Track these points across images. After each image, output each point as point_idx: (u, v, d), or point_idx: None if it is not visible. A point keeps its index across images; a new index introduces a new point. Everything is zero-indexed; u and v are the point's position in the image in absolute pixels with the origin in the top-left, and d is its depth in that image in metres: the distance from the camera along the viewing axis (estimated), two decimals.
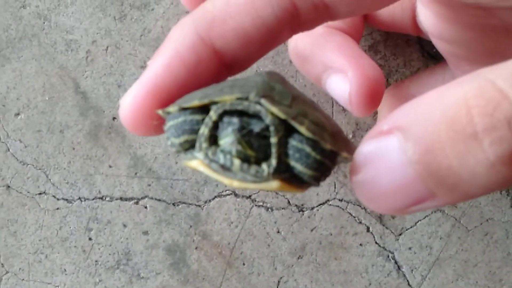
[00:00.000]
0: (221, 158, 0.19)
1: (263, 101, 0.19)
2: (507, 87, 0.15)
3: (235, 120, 0.19)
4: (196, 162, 0.20)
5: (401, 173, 0.16)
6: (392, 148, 0.16)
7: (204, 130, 0.19)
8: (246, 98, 0.19)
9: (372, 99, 0.25)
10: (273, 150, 0.19)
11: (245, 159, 0.19)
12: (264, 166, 0.19)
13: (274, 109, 0.19)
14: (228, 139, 0.19)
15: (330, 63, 0.26)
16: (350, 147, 0.20)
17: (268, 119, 0.19)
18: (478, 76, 0.15)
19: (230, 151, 0.19)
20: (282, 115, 0.19)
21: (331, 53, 0.26)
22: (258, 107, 0.19)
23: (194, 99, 0.20)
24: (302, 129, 0.19)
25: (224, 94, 0.19)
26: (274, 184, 0.19)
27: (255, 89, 0.19)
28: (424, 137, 0.15)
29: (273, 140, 0.19)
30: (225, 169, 0.19)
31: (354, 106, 0.25)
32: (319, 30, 0.27)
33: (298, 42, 0.27)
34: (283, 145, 0.19)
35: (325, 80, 0.26)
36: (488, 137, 0.15)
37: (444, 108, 0.15)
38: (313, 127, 0.19)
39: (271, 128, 0.19)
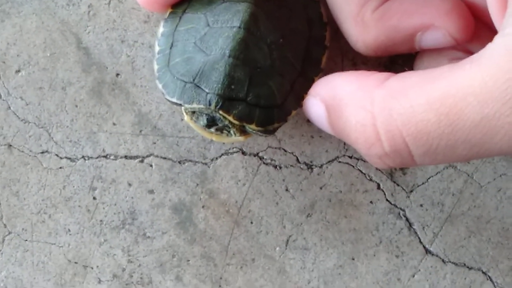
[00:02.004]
0: (201, 123, 0.27)
1: (220, 112, 0.26)
2: (382, 131, 0.23)
3: (204, 117, 0.27)
4: (187, 117, 0.28)
5: (324, 125, 0.26)
6: (321, 109, 0.26)
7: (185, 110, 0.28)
8: (209, 103, 0.26)
9: (466, 22, 0.26)
10: (234, 132, 0.28)
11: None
12: (232, 132, 0.28)
13: (229, 118, 0.27)
14: (201, 123, 0.27)
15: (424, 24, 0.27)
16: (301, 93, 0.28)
17: (226, 122, 0.27)
18: (366, 112, 0.23)
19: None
20: (235, 122, 0.27)
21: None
22: (218, 115, 0.27)
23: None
24: (251, 127, 0.27)
25: (194, 101, 0.27)
26: (241, 138, 0.28)
27: (216, 97, 0.26)
28: (336, 121, 0.25)
29: (232, 130, 0.28)
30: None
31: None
32: None
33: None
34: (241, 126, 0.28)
35: (420, 39, 0.27)
36: (367, 157, 0.25)
37: (346, 117, 0.24)
38: (261, 119, 0.27)
39: (229, 125, 0.27)
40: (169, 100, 0.28)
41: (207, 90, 0.26)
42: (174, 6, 0.29)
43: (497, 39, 0.22)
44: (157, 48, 0.29)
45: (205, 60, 0.27)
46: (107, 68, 0.31)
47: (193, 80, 0.27)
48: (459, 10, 0.26)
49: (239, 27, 0.27)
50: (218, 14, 0.28)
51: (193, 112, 0.28)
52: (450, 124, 0.21)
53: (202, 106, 0.26)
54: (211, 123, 0.27)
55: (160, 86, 0.28)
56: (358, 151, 0.25)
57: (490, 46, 0.22)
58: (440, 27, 0.26)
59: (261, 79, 0.27)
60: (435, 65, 0.28)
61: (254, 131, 0.28)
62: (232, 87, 0.26)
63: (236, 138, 0.28)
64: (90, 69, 0.31)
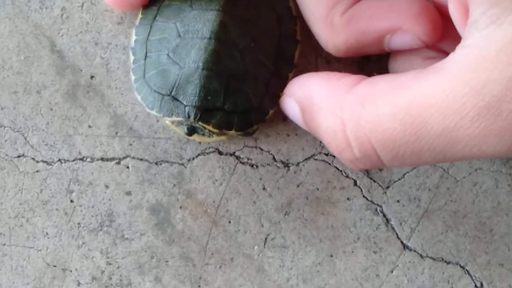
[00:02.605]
0: (182, 132, 0.29)
1: (200, 123, 0.28)
2: (352, 137, 0.23)
3: (184, 126, 0.28)
4: (168, 122, 0.29)
5: (300, 123, 0.27)
6: (295, 109, 0.27)
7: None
8: (188, 115, 0.27)
9: (435, 25, 0.26)
10: (215, 135, 0.29)
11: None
12: (213, 135, 0.29)
13: (208, 127, 0.28)
14: (182, 131, 0.29)
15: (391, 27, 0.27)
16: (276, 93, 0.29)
17: (206, 131, 0.28)
18: (336, 117, 0.24)
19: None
20: (214, 131, 0.28)
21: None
22: (197, 125, 0.28)
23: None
24: (230, 133, 0.28)
25: (173, 114, 0.28)
26: (223, 137, 0.30)
27: (194, 110, 0.27)
28: (310, 122, 0.26)
29: (213, 136, 0.29)
30: None
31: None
32: None
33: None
34: None
35: (388, 41, 0.27)
36: (340, 160, 0.25)
37: (319, 120, 0.25)
38: (240, 124, 0.28)
39: (209, 132, 0.29)
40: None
41: (184, 103, 0.27)
42: (144, 12, 0.29)
43: (458, 50, 0.22)
44: (131, 57, 0.29)
45: (179, 73, 0.27)
46: (81, 70, 0.31)
47: (170, 92, 0.28)
48: (427, 13, 0.26)
49: (210, 38, 0.27)
50: (188, 24, 0.28)
51: (172, 121, 0.29)
52: (414, 133, 0.22)
53: (181, 118, 0.27)
54: (192, 131, 0.28)
55: (139, 98, 0.29)
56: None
57: (452, 57, 0.22)
58: (408, 30, 0.26)
59: (236, 86, 0.28)
60: (408, 64, 0.28)
61: (234, 135, 0.29)
62: (209, 97, 0.27)
63: (219, 138, 0.29)
64: (64, 72, 0.31)
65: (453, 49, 0.28)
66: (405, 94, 0.22)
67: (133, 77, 0.29)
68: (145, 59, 0.29)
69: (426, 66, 0.27)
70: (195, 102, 0.27)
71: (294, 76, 0.29)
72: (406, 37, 0.26)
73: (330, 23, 0.27)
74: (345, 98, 0.24)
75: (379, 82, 0.24)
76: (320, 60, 0.31)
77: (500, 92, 0.20)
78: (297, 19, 0.29)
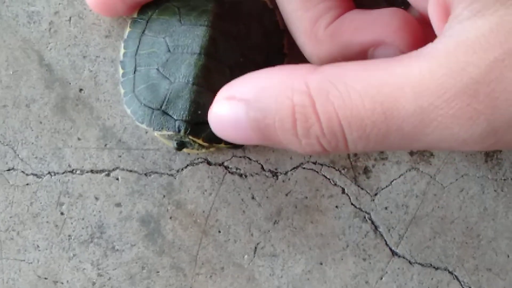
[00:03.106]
0: (171, 146, 0.29)
1: (190, 137, 0.28)
2: (320, 112, 0.22)
3: (173, 141, 0.29)
4: (157, 135, 0.30)
5: (243, 129, 0.25)
6: (240, 111, 0.24)
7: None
8: (179, 130, 0.28)
9: (417, 38, 0.26)
10: (204, 148, 0.30)
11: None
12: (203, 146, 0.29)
13: (199, 141, 0.28)
14: (172, 145, 0.29)
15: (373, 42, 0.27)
16: None
17: (196, 145, 0.29)
18: (303, 94, 0.23)
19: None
20: (204, 144, 0.29)
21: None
22: (187, 139, 0.29)
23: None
24: (221, 145, 0.29)
25: (163, 128, 0.28)
26: (212, 149, 0.30)
27: (184, 124, 0.28)
28: (262, 117, 0.24)
29: (202, 150, 0.30)
30: None
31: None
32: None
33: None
34: None
35: (372, 54, 0.27)
36: (304, 141, 0.23)
37: (278, 105, 0.23)
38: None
39: (199, 145, 0.29)
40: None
41: (175, 117, 0.28)
42: (132, 25, 0.30)
43: (438, 39, 0.22)
44: (120, 71, 0.30)
45: (170, 88, 0.28)
46: (70, 83, 0.32)
47: (160, 107, 0.28)
48: (409, 26, 0.26)
49: (200, 54, 0.28)
50: (178, 39, 0.28)
51: (162, 134, 0.29)
52: (384, 112, 0.22)
53: (171, 132, 0.28)
54: (181, 146, 0.29)
55: (128, 111, 0.29)
56: (288, 144, 0.24)
57: (430, 45, 0.22)
58: (390, 44, 0.26)
59: None
60: None
61: (224, 147, 0.29)
62: (199, 112, 0.28)
63: (208, 150, 0.30)
64: (53, 86, 0.32)
65: None
66: (377, 74, 0.22)
67: (122, 91, 0.30)
68: (134, 73, 0.29)
69: None
70: (185, 117, 0.28)
71: None
72: (389, 50, 0.26)
73: (314, 36, 0.27)
74: (309, 78, 0.23)
75: (347, 64, 0.23)
76: None
77: (478, 75, 0.20)
78: (284, 32, 0.30)
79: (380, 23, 0.26)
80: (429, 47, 0.22)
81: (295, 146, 0.24)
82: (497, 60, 0.20)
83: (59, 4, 0.32)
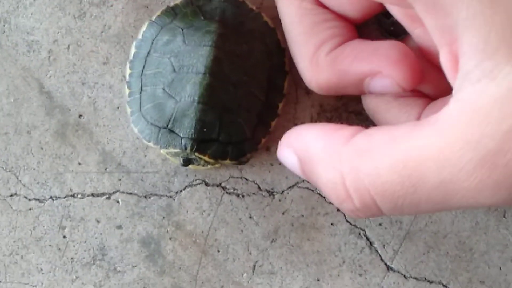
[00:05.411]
0: (178, 163, 0.31)
1: (196, 154, 0.29)
2: (352, 190, 0.24)
3: (180, 158, 0.30)
4: (164, 152, 0.31)
5: (297, 170, 0.27)
6: (294, 160, 0.27)
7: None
8: (185, 147, 0.29)
9: (414, 72, 0.27)
10: (209, 164, 0.31)
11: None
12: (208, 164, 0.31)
13: (205, 158, 0.29)
14: (178, 162, 0.30)
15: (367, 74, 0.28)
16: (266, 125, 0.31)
17: (201, 162, 0.30)
18: (335, 170, 0.24)
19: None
20: (210, 160, 0.30)
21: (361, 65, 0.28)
22: (193, 156, 0.30)
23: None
24: (225, 162, 0.30)
25: (170, 146, 0.29)
26: (217, 165, 0.31)
27: (191, 142, 0.29)
28: (310, 175, 0.26)
29: (208, 166, 0.31)
30: None
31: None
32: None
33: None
34: None
35: (368, 84, 0.28)
36: (346, 210, 0.25)
37: (318, 174, 0.25)
38: (235, 154, 0.30)
39: (204, 161, 0.30)
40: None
41: (181, 135, 0.29)
42: (137, 46, 0.31)
43: (452, 103, 0.22)
44: (127, 91, 0.31)
45: (176, 107, 0.29)
46: (69, 110, 0.32)
47: (167, 125, 0.29)
48: (407, 59, 0.27)
49: (204, 73, 0.28)
50: (183, 59, 0.29)
51: (169, 152, 0.30)
52: (412, 185, 0.22)
53: (178, 150, 0.29)
54: (187, 163, 0.30)
55: (135, 130, 0.30)
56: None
57: (446, 111, 0.22)
58: (387, 75, 0.27)
59: (230, 118, 0.29)
60: (381, 102, 0.29)
61: (229, 164, 0.30)
62: (204, 130, 0.29)
63: (213, 166, 0.31)
64: (53, 112, 0.32)
65: (430, 91, 0.29)
66: (402, 148, 0.23)
67: (129, 110, 0.30)
68: (140, 92, 0.30)
69: (399, 104, 0.28)
70: (191, 135, 0.29)
71: (283, 106, 0.31)
72: (385, 82, 0.27)
73: (315, 62, 0.28)
74: (343, 150, 0.24)
75: (375, 135, 0.24)
76: (300, 91, 0.32)
77: (495, 146, 0.21)
78: (285, 51, 0.31)
79: (379, 54, 0.27)
80: (445, 113, 0.22)
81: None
82: (511, 130, 0.20)
83: (58, 32, 0.33)
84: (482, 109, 0.21)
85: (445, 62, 0.23)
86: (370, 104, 0.30)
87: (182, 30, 0.30)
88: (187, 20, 0.30)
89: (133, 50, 0.31)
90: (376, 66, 0.27)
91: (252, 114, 0.30)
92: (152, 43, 0.30)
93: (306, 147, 0.26)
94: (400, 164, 0.22)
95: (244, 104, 0.30)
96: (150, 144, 0.30)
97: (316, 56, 0.28)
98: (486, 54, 0.21)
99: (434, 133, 0.22)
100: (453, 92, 0.23)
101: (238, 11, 0.31)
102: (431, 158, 0.22)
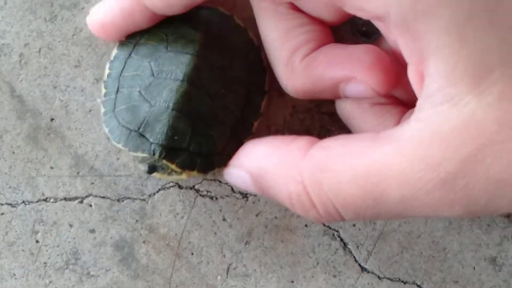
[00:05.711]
0: (142, 169, 0.30)
1: (164, 161, 0.28)
2: (315, 201, 0.25)
3: (145, 165, 0.29)
4: (130, 153, 0.30)
5: (251, 189, 0.28)
6: (246, 179, 0.27)
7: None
8: (154, 152, 0.28)
9: (388, 77, 0.27)
10: (175, 174, 0.29)
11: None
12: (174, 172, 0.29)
13: (172, 166, 0.29)
14: (142, 168, 0.30)
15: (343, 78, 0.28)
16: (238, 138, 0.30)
17: (168, 170, 0.29)
18: (297, 183, 0.25)
19: None
20: (177, 170, 0.29)
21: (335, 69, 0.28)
22: (160, 163, 0.29)
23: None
24: (193, 173, 0.29)
25: (138, 150, 0.29)
26: (184, 176, 0.30)
27: (160, 148, 0.28)
28: (266, 191, 0.27)
29: (173, 175, 0.29)
30: None
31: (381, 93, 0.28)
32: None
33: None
34: None
35: (343, 89, 0.28)
36: (304, 215, 0.26)
37: (277, 189, 0.26)
38: (203, 166, 0.29)
39: (171, 170, 0.29)
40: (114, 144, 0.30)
41: (151, 140, 0.28)
42: (119, 47, 0.30)
43: (412, 122, 0.23)
44: (103, 90, 0.30)
45: (149, 111, 0.28)
46: (41, 113, 0.32)
47: (138, 128, 0.29)
48: (381, 64, 0.27)
49: (182, 80, 0.28)
50: (163, 64, 0.29)
51: (136, 156, 0.29)
52: (373, 199, 0.23)
53: (146, 154, 0.28)
54: (152, 170, 0.29)
55: (106, 130, 0.30)
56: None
57: (407, 129, 0.23)
58: (361, 80, 0.27)
59: (203, 129, 0.29)
60: (356, 107, 0.29)
61: (195, 175, 0.30)
62: (176, 137, 0.28)
63: (178, 177, 0.30)
64: (25, 116, 0.32)
65: (405, 96, 0.29)
66: (363, 163, 0.23)
67: (102, 110, 0.30)
68: (116, 93, 0.30)
69: (374, 113, 0.29)
70: (162, 141, 0.28)
71: (259, 124, 0.30)
72: (359, 87, 0.27)
73: (291, 67, 0.28)
74: (301, 165, 0.25)
75: (333, 148, 0.25)
76: (289, 110, 0.32)
77: (454, 169, 0.22)
78: (267, 70, 0.31)
79: (353, 60, 0.27)
80: (407, 132, 0.23)
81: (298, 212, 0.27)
82: (470, 156, 0.21)
83: (29, 36, 0.32)
84: (443, 133, 0.22)
85: (412, 77, 0.24)
86: (344, 110, 0.30)
87: (166, 36, 0.30)
88: (171, 27, 0.30)
89: (114, 51, 0.31)
90: (349, 71, 0.27)
91: (226, 128, 0.30)
92: (134, 46, 0.30)
93: (258, 164, 0.27)
94: (361, 180, 0.23)
95: (219, 116, 0.29)
96: (119, 146, 0.29)
97: (291, 62, 0.28)
98: (450, 81, 0.22)
99: (396, 151, 0.23)
100: (416, 109, 0.23)
101: (224, 24, 0.31)
102: (392, 176, 0.23)
